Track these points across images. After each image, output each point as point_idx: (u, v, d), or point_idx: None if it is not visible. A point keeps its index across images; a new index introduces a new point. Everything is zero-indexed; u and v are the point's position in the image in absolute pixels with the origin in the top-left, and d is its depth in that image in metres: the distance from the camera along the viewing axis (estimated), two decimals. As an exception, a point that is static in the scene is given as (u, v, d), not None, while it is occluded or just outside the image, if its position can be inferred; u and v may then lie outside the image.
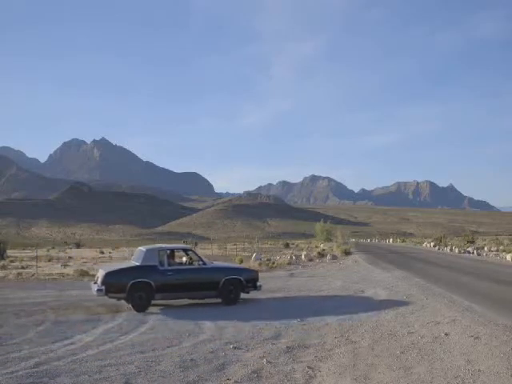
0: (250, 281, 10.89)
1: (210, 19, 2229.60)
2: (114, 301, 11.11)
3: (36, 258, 24.80)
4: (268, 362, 5.73)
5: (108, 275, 9.86)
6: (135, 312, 9.55)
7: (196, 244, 43.81)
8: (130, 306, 9.87)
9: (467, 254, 28.06)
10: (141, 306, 9.76)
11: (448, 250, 33.21)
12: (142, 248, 10.79)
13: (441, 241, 43.32)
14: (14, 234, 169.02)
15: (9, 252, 36.82)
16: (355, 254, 30.62)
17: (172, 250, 11.21)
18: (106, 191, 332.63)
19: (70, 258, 34.61)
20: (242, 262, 24.18)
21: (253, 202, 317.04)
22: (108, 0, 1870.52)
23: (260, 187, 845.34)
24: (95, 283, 10.18)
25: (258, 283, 11.04)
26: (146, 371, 5.43)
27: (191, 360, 5.87)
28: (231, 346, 6.53)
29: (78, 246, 72.63)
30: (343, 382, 4.97)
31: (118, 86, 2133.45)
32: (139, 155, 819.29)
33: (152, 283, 9.85)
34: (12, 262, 28.25)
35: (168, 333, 7.51)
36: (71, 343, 6.94)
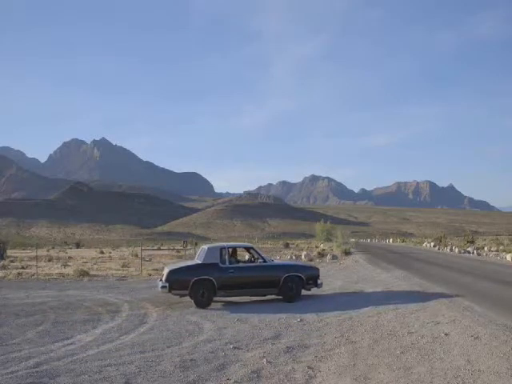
0: (310, 278, 11.07)
1: (210, 19, 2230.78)
2: (114, 301, 11.13)
3: (36, 257, 24.78)
4: (268, 361, 5.73)
5: (171, 273, 10.26)
6: (135, 312, 9.55)
7: (196, 244, 43.75)
8: (193, 302, 10.18)
9: (467, 254, 28.04)
10: (203, 303, 10.10)
11: (448, 250, 33.19)
12: (205, 246, 11.09)
13: (441, 241, 43.28)
14: (14, 233, 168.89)
15: (9, 252, 36.80)
16: (355, 254, 30.59)
17: (234, 248, 11.40)
18: (106, 191, 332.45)
19: (69, 257, 34.59)
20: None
21: (253, 202, 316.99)
22: (108, 0, 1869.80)
23: (260, 187, 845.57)
24: (160, 280, 10.54)
25: (319, 280, 11.23)
26: (146, 371, 5.43)
27: (191, 360, 5.87)
28: (231, 346, 6.53)
29: (78, 245, 72.55)
30: (343, 382, 4.97)
31: (118, 85, 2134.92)
32: (139, 155, 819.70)
33: (214, 280, 10.18)
34: (12, 261, 28.22)
35: (168, 333, 7.51)
36: (71, 343, 6.95)
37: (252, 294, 10.92)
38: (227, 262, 10.54)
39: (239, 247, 12.07)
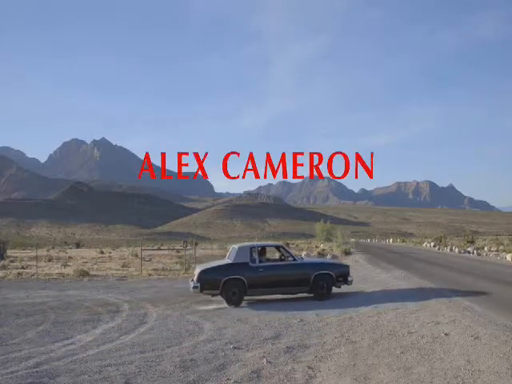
0: (341, 275, 11.16)
1: (210, 19, 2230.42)
2: (114, 301, 11.13)
3: (36, 257, 24.78)
4: (268, 361, 5.73)
5: (203, 273, 10.35)
6: (135, 312, 9.54)
7: (196, 244, 43.76)
8: (224, 301, 10.29)
9: (467, 254, 28.03)
10: (234, 302, 10.23)
11: (448, 250, 33.19)
12: (235, 246, 11.22)
13: (441, 241, 43.27)
14: (14, 233, 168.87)
15: (9, 252, 36.80)
16: (355, 253, 30.60)
17: (263, 247, 11.48)
18: (105, 191, 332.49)
19: (69, 257, 34.58)
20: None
21: (253, 202, 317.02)
22: (108, 0, 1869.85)
23: (260, 187, 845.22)
24: (192, 280, 10.65)
25: (349, 278, 11.31)
26: (146, 371, 5.43)
27: (191, 360, 5.87)
28: (231, 346, 6.53)
29: (78, 245, 72.60)
30: (343, 382, 4.97)
31: (118, 85, 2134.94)
32: (139, 155, 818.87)
33: (244, 279, 10.29)
34: (12, 261, 28.22)
35: (168, 333, 7.50)
36: (71, 343, 6.95)
37: (282, 293, 11.05)
38: (257, 261, 10.65)
39: (269, 246, 12.24)
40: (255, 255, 10.70)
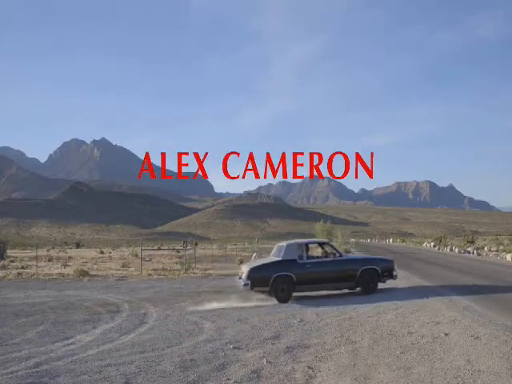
0: (386, 270, 11.45)
1: (210, 19, 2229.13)
2: (114, 301, 11.13)
3: (36, 257, 24.80)
4: (268, 361, 5.73)
5: (253, 270, 10.55)
6: (135, 312, 9.54)
7: (196, 244, 43.77)
8: (274, 298, 10.46)
9: (467, 254, 28.04)
10: (283, 298, 10.41)
11: (448, 250, 33.20)
12: (283, 243, 11.49)
13: (441, 241, 43.30)
14: (14, 233, 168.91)
15: (9, 252, 36.84)
16: (355, 254, 30.60)
17: (309, 244, 11.76)
18: (105, 191, 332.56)
19: (69, 258, 34.59)
20: (241, 262, 24.20)
21: (253, 202, 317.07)
22: (108, 0, 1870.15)
23: (260, 187, 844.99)
24: (240, 278, 10.93)
25: (395, 272, 11.61)
26: (146, 371, 5.43)
27: (191, 360, 5.86)
28: (231, 346, 6.52)
29: (78, 245, 72.65)
30: (343, 382, 4.97)
31: (118, 85, 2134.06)
32: (139, 155, 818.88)
33: (293, 276, 10.50)
34: (12, 261, 28.25)
35: (168, 333, 7.50)
36: (71, 343, 6.95)
37: (330, 289, 11.27)
38: (305, 258, 10.90)
39: (315, 243, 12.54)
40: (303, 252, 10.97)
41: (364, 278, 11.06)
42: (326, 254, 11.64)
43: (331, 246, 11.89)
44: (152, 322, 8.44)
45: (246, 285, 10.46)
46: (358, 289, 11.36)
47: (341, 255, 11.38)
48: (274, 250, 11.86)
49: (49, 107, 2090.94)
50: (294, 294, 10.70)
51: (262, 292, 10.74)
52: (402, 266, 18.89)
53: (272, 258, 11.43)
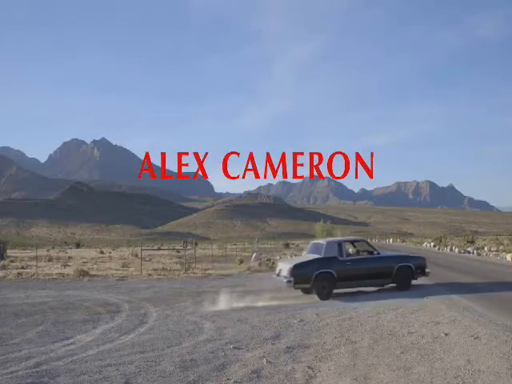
0: (419, 267, 11.77)
1: (210, 19, 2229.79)
2: (114, 301, 11.12)
3: (36, 257, 24.79)
4: (268, 361, 5.73)
5: (295, 268, 10.68)
6: (135, 312, 9.53)
7: (196, 244, 43.77)
8: (315, 294, 10.70)
9: (467, 254, 28.01)
10: (324, 295, 10.63)
11: (448, 249, 33.17)
12: (322, 241, 11.76)
13: (441, 241, 43.26)
14: (14, 233, 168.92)
15: (9, 252, 36.83)
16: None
17: (347, 242, 12.05)
18: (106, 191, 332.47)
19: (69, 258, 34.59)
20: (241, 262, 24.21)
21: (253, 202, 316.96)
22: (108, 0, 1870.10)
23: (260, 187, 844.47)
24: (278, 276, 11.26)
25: (427, 269, 11.93)
26: (146, 371, 5.43)
27: (191, 360, 5.86)
28: (231, 346, 6.52)
29: (78, 245, 72.63)
30: (343, 382, 4.97)
31: (118, 85, 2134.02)
32: (139, 155, 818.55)
33: (334, 273, 10.72)
34: (12, 261, 28.24)
35: (168, 333, 7.50)
36: (71, 343, 6.94)
37: (367, 285, 11.53)
38: (344, 255, 11.14)
39: (353, 241, 12.68)
40: (342, 249, 11.19)
41: (399, 275, 11.39)
42: (358, 252, 11.96)
43: (368, 243, 12.24)
44: (152, 322, 8.43)
45: (289, 281, 10.61)
46: (388, 286, 11.68)
47: (378, 253, 11.70)
48: (310, 247, 12.13)
49: (49, 107, 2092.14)
50: (335, 291, 10.97)
51: (304, 289, 11.08)
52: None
53: (310, 255, 11.60)
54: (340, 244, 11.31)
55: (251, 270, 19.83)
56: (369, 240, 12.39)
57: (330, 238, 12.22)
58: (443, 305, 9.15)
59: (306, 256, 11.99)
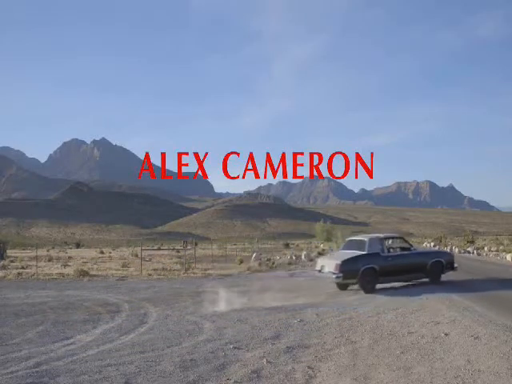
0: (449, 263, 12.69)
1: (210, 19, 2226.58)
2: (114, 301, 11.11)
3: (36, 257, 24.80)
4: (268, 361, 5.73)
5: (344, 263, 11.19)
6: (135, 312, 9.53)
7: (196, 244, 43.78)
8: (360, 288, 11.37)
9: (467, 254, 28.05)
10: (369, 289, 11.26)
11: (448, 250, 33.20)
12: (363, 238, 12.38)
13: (441, 241, 43.34)
14: (14, 233, 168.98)
15: (9, 252, 36.84)
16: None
17: (387, 238, 12.59)
18: (106, 191, 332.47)
19: (69, 258, 34.59)
20: (241, 262, 24.21)
21: (253, 202, 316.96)
22: (107, 0, 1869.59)
23: (260, 187, 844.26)
24: (320, 272, 11.89)
25: (455, 264, 12.85)
26: (146, 371, 5.42)
27: (191, 360, 5.86)
28: (231, 346, 6.52)
29: (78, 245, 72.67)
30: (343, 382, 4.97)
31: (118, 85, 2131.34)
32: (139, 155, 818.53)
33: (377, 268, 11.32)
34: (12, 261, 28.24)
35: (168, 333, 7.50)
36: (71, 343, 6.94)
37: (405, 280, 12.22)
38: (386, 251, 11.77)
39: (392, 237, 13.25)
40: (383, 245, 11.81)
41: (432, 270, 12.21)
42: (395, 248, 12.54)
43: (405, 240, 12.99)
44: (152, 322, 8.43)
45: (338, 277, 11.12)
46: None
47: (415, 249, 12.54)
48: (347, 244, 12.63)
49: (49, 107, 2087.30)
50: (377, 285, 11.49)
51: (350, 284, 11.67)
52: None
53: (350, 251, 11.92)
54: (382, 240, 11.90)
55: (251, 270, 19.85)
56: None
57: (372, 235, 12.71)
58: (443, 305, 9.16)
59: (345, 253, 12.23)
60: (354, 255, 11.60)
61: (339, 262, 11.19)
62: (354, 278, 11.23)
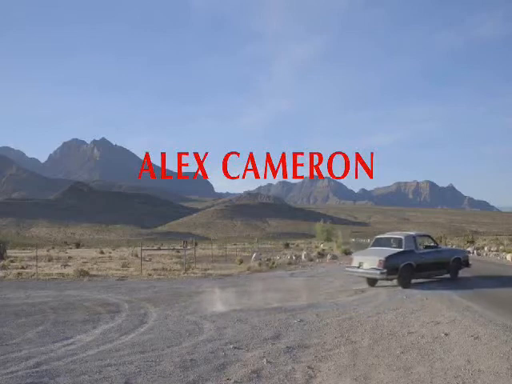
0: (465, 260, 13.72)
1: (211, 19, 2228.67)
2: (114, 301, 11.11)
3: (36, 257, 24.78)
4: (268, 361, 5.72)
5: (388, 260, 11.61)
6: (135, 312, 9.53)
7: (196, 244, 43.76)
8: (398, 284, 11.94)
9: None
10: (406, 284, 11.83)
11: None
12: (398, 235, 12.87)
13: (441, 241, 43.24)
14: (14, 233, 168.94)
15: (9, 252, 36.79)
16: (355, 254, 30.57)
17: (419, 236, 13.31)
18: (106, 191, 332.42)
19: (69, 258, 34.58)
20: (241, 262, 24.21)
21: (253, 202, 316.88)
22: (107, 0, 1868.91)
23: (260, 187, 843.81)
24: (359, 268, 12.22)
25: (470, 262, 13.89)
26: (146, 371, 5.42)
27: (191, 360, 5.86)
28: (231, 346, 6.52)
29: (78, 245, 72.61)
30: (343, 382, 4.97)
31: (118, 85, 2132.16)
32: (139, 155, 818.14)
33: (413, 264, 11.95)
34: (12, 261, 28.21)
35: (168, 333, 7.49)
36: (71, 343, 6.93)
37: (432, 276, 13.01)
38: (419, 248, 12.52)
39: (422, 235, 14.06)
40: (416, 243, 12.45)
41: (453, 266, 13.13)
42: (423, 245, 13.40)
43: (432, 238, 13.96)
44: (152, 322, 8.43)
45: (382, 273, 11.51)
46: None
47: (440, 247, 13.53)
48: (380, 241, 13.13)
49: (49, 107, 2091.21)
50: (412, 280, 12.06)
51: (392, 279, 11.99)
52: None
53: (390, 249, 12.34)
54: (415, 238, 12.55)
55: (251, 270, 19.84)
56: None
57: (405, 233, 13.20)
58: (443, 305, 9.16)
59: (382, 250, 12.51)
60: (396, 252, 12.03)
61: (383, 258, 11.55)
62: (395, 273, 11.67)
